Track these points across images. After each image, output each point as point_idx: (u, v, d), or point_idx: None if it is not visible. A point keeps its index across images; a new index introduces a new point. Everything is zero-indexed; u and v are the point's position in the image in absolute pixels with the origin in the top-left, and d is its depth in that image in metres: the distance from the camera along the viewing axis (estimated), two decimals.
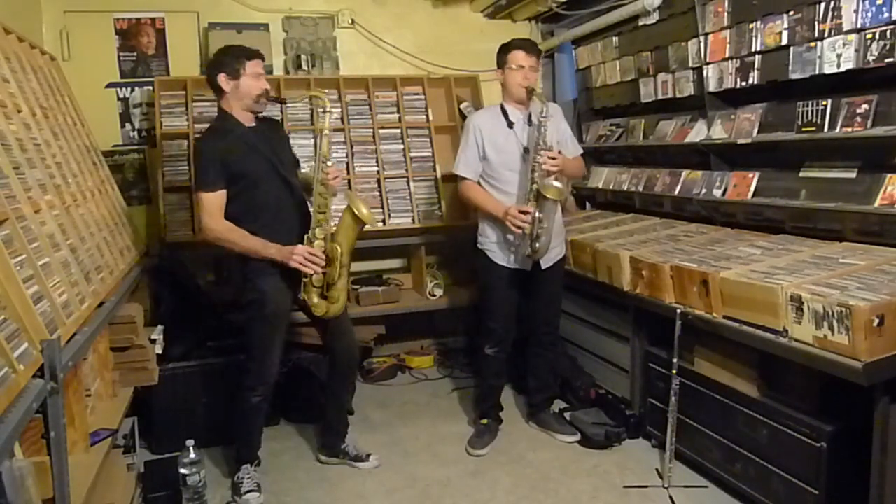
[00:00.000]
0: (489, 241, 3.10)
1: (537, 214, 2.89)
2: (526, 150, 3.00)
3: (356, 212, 2.67)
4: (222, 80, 2.65)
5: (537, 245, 2.93)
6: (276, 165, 2.70)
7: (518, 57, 2.98)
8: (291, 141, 3.17)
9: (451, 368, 4.24)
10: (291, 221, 2.74)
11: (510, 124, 3.03)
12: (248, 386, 2.77)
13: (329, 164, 2.71)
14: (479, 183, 3.09)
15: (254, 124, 2.73)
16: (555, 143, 3.00)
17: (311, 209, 2.74)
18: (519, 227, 2.90)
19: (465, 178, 3.08)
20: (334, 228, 2.75)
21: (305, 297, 2.71)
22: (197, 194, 2.67)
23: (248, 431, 2.86)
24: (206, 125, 3.82)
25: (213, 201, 2.59)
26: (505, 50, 3.04)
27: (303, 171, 3.00)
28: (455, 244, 4.35)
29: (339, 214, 2.79)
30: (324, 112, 2.77)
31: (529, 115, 3.05)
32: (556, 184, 2.88)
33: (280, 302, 2.72)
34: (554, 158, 2.87)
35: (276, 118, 3.06)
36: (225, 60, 2.66)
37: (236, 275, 2.76)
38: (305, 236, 2.70)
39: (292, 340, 3.50)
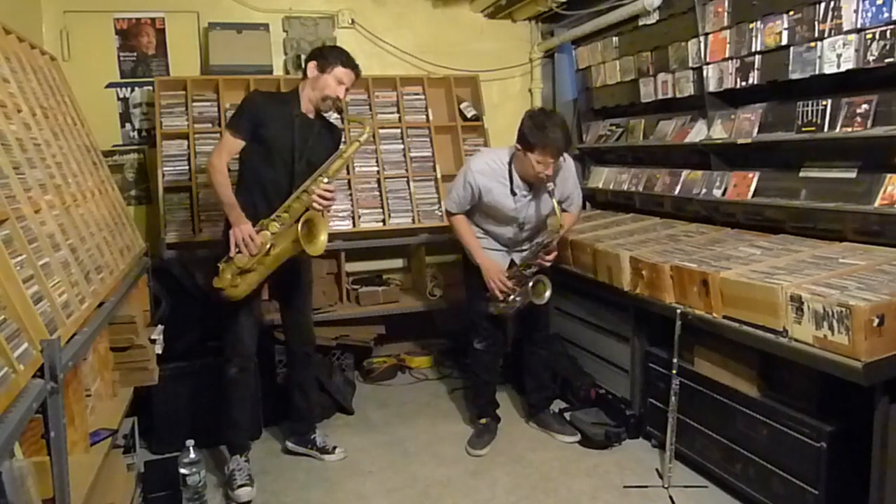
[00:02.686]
0: None
1: (516, 298, 2.99)
2: (521, 224, 3.03)
3: (304, 239, 2.60)
4: (311, 66, 2.80)
5: (501, 313, 3.07)
6: (294, 158, 2.78)
7: (546, 156, 2.77)
8: None
9: (451, 368, 4.24)
10: (271, 205, 2.74)
11: (513, 192, 2.95)
12: (225, 358, 2.84)
13: (326, 182, 2.70)
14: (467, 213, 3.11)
15: (311, 117, 2.83)
16: (559, 198, 2.95)
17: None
18: (495, 292, 3.00)
19: (453, 214, 3.10)
20: (285, 229, 2.69)
21: (221, 265, 2.68)
22: (224, 130, 2.86)
23: (230, 409, 2.87)
24: (207, 124, 3.91)
25: (230, 143, 2.74)
26: (537, 139, 2.76)
27: None
28: (455, 244, 4.35)
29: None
30: (357, 141, 2.78)
31: (536, 189, 2.96)
32: (548, 292, 2.96)
33: None
34: (550, 255, 2.97)
35: (340, 128, 3.09)
36: (324, 53, 2.82)
37: (209, 266, 2.87)
38: (261, 221, 2.69)
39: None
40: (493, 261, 3.06)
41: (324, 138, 2.88)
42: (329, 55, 2.80)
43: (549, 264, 3.01)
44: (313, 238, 2.67)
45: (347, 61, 2.81)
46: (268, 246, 2.66)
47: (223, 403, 2.89)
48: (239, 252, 2.65)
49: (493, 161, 2.98)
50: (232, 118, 2.79)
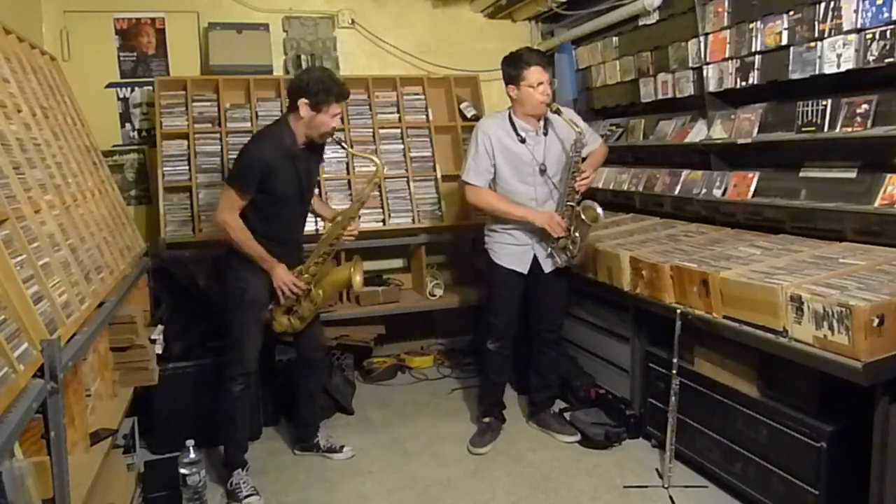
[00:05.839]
0: (494, 241, 3.13)
1: (575, 234, 2.95)
2: (543, 168, 3.00)
3: (351, 278, 2.89)
4: (302, 105, 2.66)
5: (574, 261, 3.01)
6: (303, 190, 2.82)
7: (535, 74, 2.86)
8: None
9: (451, 368, 4.24)
10: (294, 239, 2.92)
11: (521, 139, 2.98)
12: (229, 376, 2.82)
13: (353, 224, 2.88)
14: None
15: (303, 146, 2.78)
16: (586, 149, 3.00)
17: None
18: (557, 235, 2.95)
19: (475, 185, 3.03)
20: (325, 271, 2.91)
21: (272, 311, 2.88)
22: (226, 186, 2.76)
23: (233, 426, 2.87)
24: (207, 124, 3.91)
25: (237, 201, 2.69)
26: (517, 65, 2.90)
27: (335, 208, 3.14)
28: (455, 244, 4.36)
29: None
30: (373, 182, 2.93)
31: (545, 126, 3.00)
32: (597, 207, 2.90)
33: (259, 292, 2.80)
34: (586, 179, 2.93)
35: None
36: (314, 90, 2.64)
37: (222, 264, 2.90)
38: (300, 267, 2.86)
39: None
40: (537, 211, 3.00)
41: (314, 160, 2.91)
42: (320, 92, 2.64)
43: (585, 186, 2.94)
44: (355, 280, 2.91)
45: (340, 94, 2.69)
46: (310, 287, 2.85)
47: (227, 423, 2.87)
48: (286, 297, 2.81)
49: (495, 116, 3.11)
50: (237, 176, 2.70)
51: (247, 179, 2.66)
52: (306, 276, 2.85)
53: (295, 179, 2.75)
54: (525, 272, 3.09)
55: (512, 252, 3.09)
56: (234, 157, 2.85)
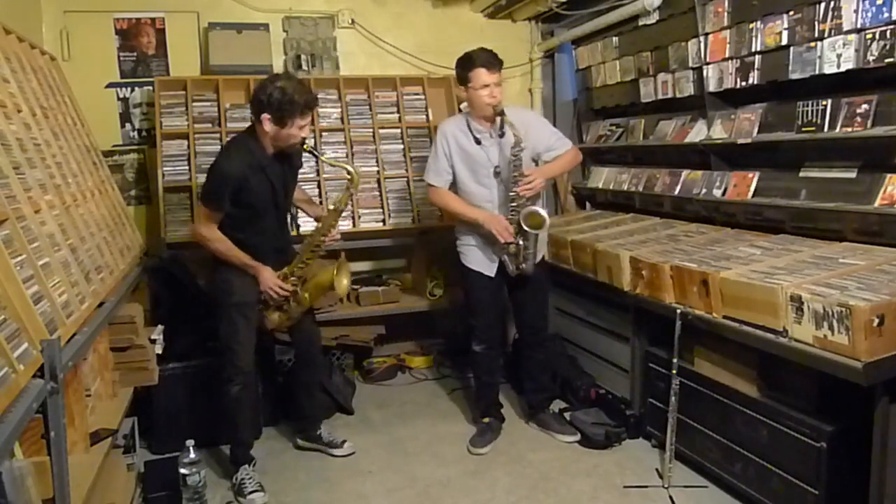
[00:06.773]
0: (462, 244, 3.15)
1: (521, 242, 2.94)
2: (497, 171, 3.00)
3: (336, 282, 2.89)
4: (266, 120, 2.58)
5: (523, 266, 3.01)
6: (277, 198, 2.81)
7: (481, 76, 2.88)
8: None
9: (451, 368, 4.24)
10: (274, 245, 2.91)
11: (477, 141, 2.99)
12: (226, 377, 2.84)
13: (335, 230, 2.89)
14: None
15: (273, 155, 2.75)
16: (543, 153, 3.00)
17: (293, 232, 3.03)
18: (504, 240, 2.94)
19: (434, 186, 3.09)
20: (311, 274, 2.93)
21: (262, 311, 2.90)
22: (200, 204, 2.80)
23: (235, 427, 2.89)
24: (207, 124, 3.91)
25: (212, 216, 2.72)
26: (466, 66, 2.92)
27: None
28: (454, 244, 4.34)
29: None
30: (348, 191, 2.91)
31: (501, 128, 2.97)
32: (541, 211, 2.89)
33: (246, 293, 2.81)
34: (530, 184, 2.89)
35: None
36: (277, 105, 2.53)
37: (209, 266, 2.93)
38: (285, 269, 2.87)
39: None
40: (489, 213, 3.00)
41: (288, 165, 2.86)
42: (284, 108, 2.53)
43: (530, 192, 2.91)
44: (339, 281, 2.92)
45: (306, 105, 2.59)
46: (296, 289, 2.87)
47: (228, 422, 2.89)
48: (274, 299, 2.85)
49: (455, 117, 3.19)
50: (209, 194, 2.70)
51: (219, 196, 2.66)
52: (292, 278, 2.87)
53: (268, 189, 2.74)
54: (492, 275, 3.10)
55: (477, 255, 3.10)
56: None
